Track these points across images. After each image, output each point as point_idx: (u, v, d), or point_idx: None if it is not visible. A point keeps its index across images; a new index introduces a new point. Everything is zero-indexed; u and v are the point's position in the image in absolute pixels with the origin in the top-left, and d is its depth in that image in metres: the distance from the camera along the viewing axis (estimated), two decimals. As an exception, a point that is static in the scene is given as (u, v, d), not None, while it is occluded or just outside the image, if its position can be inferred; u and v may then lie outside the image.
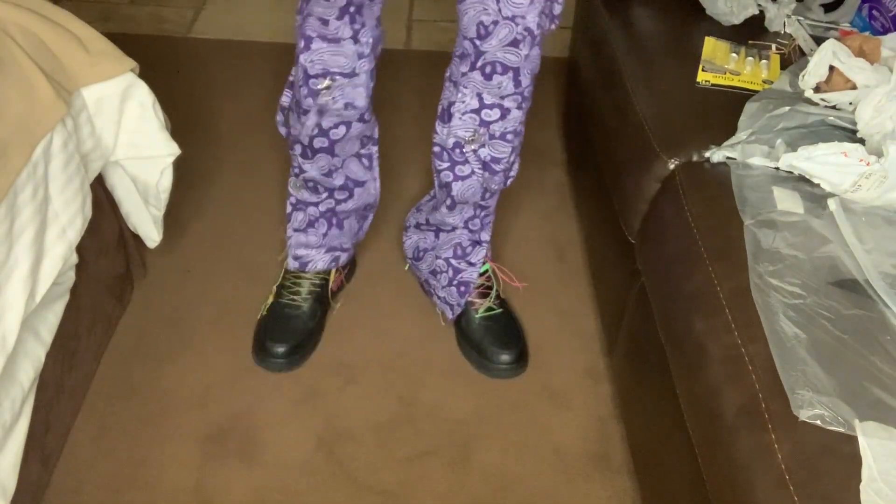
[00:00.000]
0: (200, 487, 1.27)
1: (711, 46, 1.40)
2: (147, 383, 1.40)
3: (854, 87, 1.20)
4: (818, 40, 1.40)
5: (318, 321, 1.49)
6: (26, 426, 1.11)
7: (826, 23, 1.49)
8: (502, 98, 1.24)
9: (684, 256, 1.09)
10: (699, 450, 0.96)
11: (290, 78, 1.34)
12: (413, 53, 2.29)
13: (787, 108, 1.20)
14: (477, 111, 1.25)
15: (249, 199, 1.78)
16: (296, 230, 1.47)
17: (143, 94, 1.21)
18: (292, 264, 1.48)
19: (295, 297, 1.48)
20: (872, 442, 0.80)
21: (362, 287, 1.60)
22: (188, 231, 1.68)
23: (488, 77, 1.21)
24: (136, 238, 1.43)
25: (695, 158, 1.20)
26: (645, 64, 1.39)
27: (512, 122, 1.27)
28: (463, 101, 1.25)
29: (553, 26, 1.19)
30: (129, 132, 1.24)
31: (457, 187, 1.35)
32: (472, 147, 1.29)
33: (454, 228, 1.44)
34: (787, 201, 1.08)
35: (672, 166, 1.21)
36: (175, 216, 1.59)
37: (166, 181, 1.31)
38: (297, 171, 1.41)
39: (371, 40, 1.23)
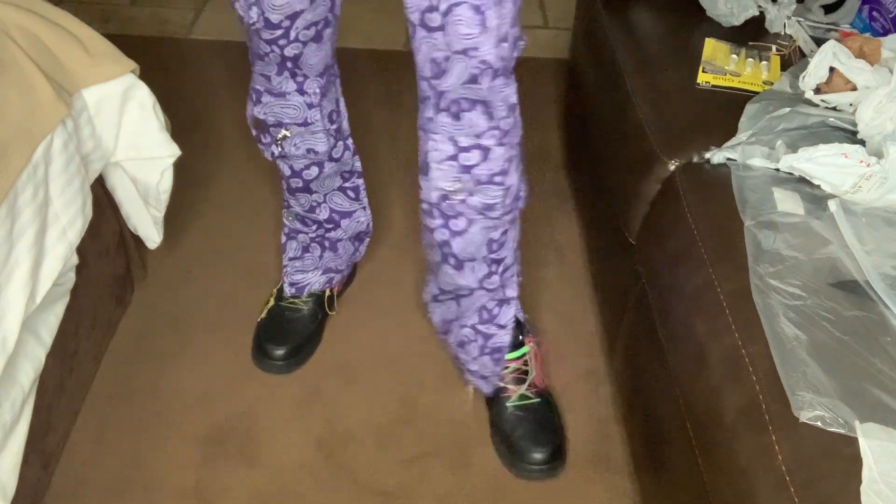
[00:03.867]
0: (200, 488, 1.27)
1: (712, 48, 1.40)
2: (147, 384, 1.41)
3: (854, 89, 1.20)
4: (818, 41, 1.40)
5: (318, 324, 1.48)
6: (26, 427, 1.11)
7: (826, 24, 1.49)
8: (478, 137, 1.08)
9: (685, 258, 1.09)
10: (699, 451, 0.96)
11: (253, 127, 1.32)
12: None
13: (788, 110, 1.20)
14: (454, 157, 1.10)
15: (250, 200, 1.78)
16: (291, 258, 1.47)
17: (143, 96, 1.21)
18: (288, 290, 1.48)
19: (295, 300, 1.48)
20: (873, 443, 0.80)
21: (362, 289, 1.60)
22: (188, 232, 1.69)
23: (456, 117, 1.07)
24: (137, 239, 1.43)
25: (695, 160, 1.20)
26: (645, 65, 1.39)
27: (497, 162, 1.10)
28: (436, 150, 1.11)
29: (517, 51, 1.05)
30: (129, 133, 1.24)
31: (457, 244, 1.19)
32: (460, 197, 1.13)
33: (472, 291, 1.26)
34: (788, 202, 1.08)
35: (672, 167, 1.21)
36: (175, 217, 1.59)
37: (167, 182, 1.31)
38: (286, 204, 1.43)
39: (318, 89, 1.21)
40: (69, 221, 1.13)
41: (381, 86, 2.12)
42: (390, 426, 1.37)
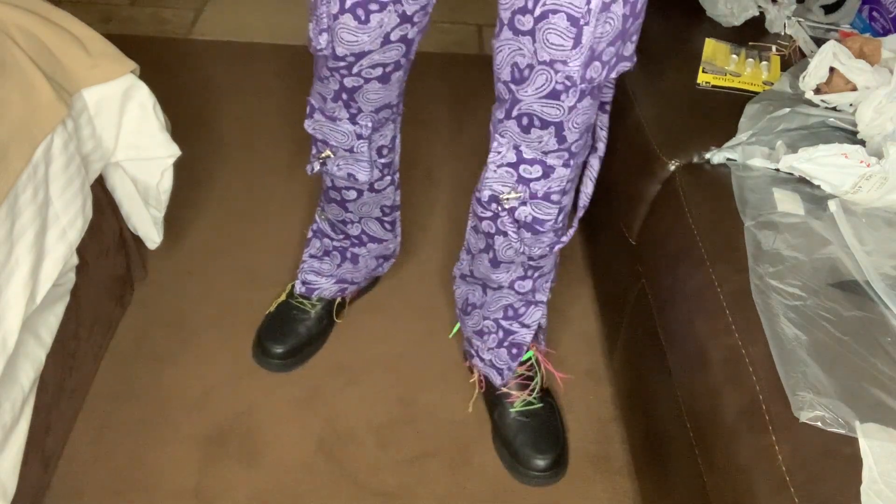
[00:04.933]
0: (201, 489, 1.27)
1: (712, 48, 1.40)
2: (147, 384, 1.40)
3: (854, 89, 1.20)
4: (818, 42, 1.40)
5: (322, 329, 1.48)
6: (26, 427, 1.11)
7: (826, 24, 1.49)
8: (545, 154, 1.03)
9: (685, 258, 1.09)
10: (699, 451, 0.96)
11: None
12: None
13: (788, 110, 1.20)
14: (514, 165, 1.06)
15: (250, 200, 1.78)
16: (311, 256, 1.46)
17: (143, 96, 1.21)
18: (299, 288, 1.47)
19: (304, 301, 1.47)
20: (873, 443, 0.80)
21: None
22: (188, 232, 1.68)
23: (525, 129, 1.01)
24: (137, 239, 1.43)
25: (695, 160, 1.20)
26: (645, 65, 1.39)
27: (558, 182, 1.06)
28: (498, 152, 1.06)
29: (615, 73, 0.97)
30: (129, 133, 1.24)
31: (499, 242, 1.16)
32: (511, 204, 1.10)
33: (501, 287, 1.25)
34: (788, 203, 1.08)
35: (672, 168, 1.21)
36: (175, 217, 1.60)
37: (167, 182, 1.31)
38: (321, 206, 1.41)
39: (371, 124, 1.17)
40: (69, 222, 1.13)
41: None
42: (390, 426, 1.37)
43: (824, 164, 1.09)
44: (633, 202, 1.27)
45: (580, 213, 1.14)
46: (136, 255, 1.52)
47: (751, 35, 1.45)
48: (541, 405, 1.34)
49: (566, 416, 1.39)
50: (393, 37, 1.04)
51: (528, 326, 1.28)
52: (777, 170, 1.14)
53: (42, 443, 1.21)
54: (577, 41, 0.90)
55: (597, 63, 0.93)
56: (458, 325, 1.44)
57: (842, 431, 0.82)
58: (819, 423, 0.83)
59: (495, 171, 1.08)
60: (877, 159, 1.07)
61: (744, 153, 1.16)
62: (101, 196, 1.33)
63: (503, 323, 1.29)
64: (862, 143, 1.13)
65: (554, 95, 0.96)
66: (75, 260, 1.22)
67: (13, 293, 1.02)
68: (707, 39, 1.42)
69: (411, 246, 1.70)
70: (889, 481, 0.78)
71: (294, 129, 1.89)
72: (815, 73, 1.23)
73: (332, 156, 1.23)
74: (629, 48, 0.96)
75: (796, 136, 1.18)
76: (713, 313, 0.99)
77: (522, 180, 1.07)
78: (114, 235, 1.42)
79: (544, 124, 1.00)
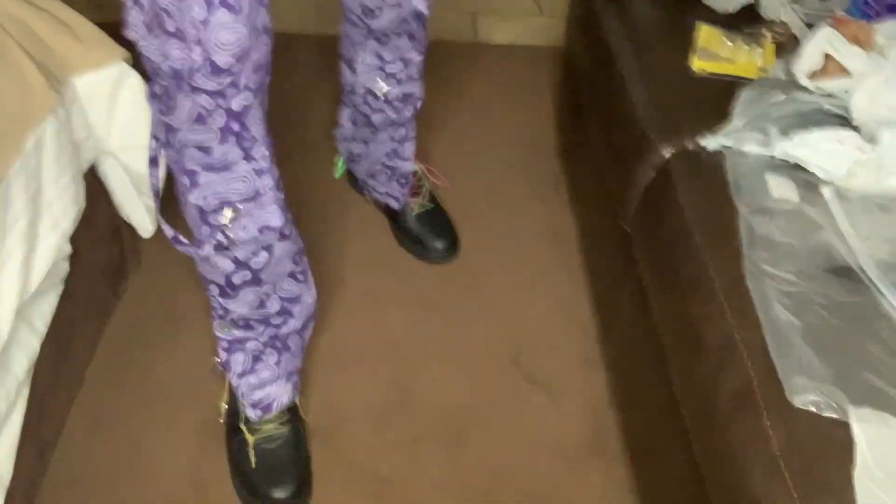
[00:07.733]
0: (197, 476, 1.27)
1: (706, 34, 1.39)
2: (142, 373, 1.40)
3: (848, 75, 1.20)
4: (813, 28, 1.40)
5: (301, 437, 1.28)
6: (21, 416, 1.11)
7: (821, 11, 1.49)
8: (402, 51, 1.32)
9: (679, 244, 1.09)
10: (694, 437, 0.96)
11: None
12: None
13: (782, 96, 1.20)
14: (381, 68, 1.34)
15: (244, 188, 1.77)
16: (241, 375, 1.22)
17: (135, 84, 1.21)
18: (254, 414, 1.23)
19: (269, 429, 1.25)
20: (866, 428, 0.81)
21: (356, 274, 1.60)
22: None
23: (383, 43, 1.29)
24: (131, 228, 1.43)
25: (689, 146, 1.20)
26: (639, 52, 1.39)
27: (416, 66, 1.36)
28: (364, 62, 1.34)
29: None
30: (122, 122, 1.23)
31: (375, 118, 1.45)
32: (382, 92, 1.38)
33: (381, 141, 1.52)
34: (782, 189, 1.09)
35: (667, 154, 1.20)
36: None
37: (160, 171, 1.31)
38: (220, 312, 1.18)
39: (267, 152, 1.02)
40: (62, 211, 1.13)
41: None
42: (385, 411, 1.37)
43: (819, 150, 1.09)
44: (627, 189, 1.27)
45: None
46: (131, 244, 1.52)
47: (745, 21, 1.45)
48: (433, 206, 1.65)
49: (561, 401, 1.40)
50: (259, 23, 0.91)
51: (407, 159, 1.56)
52: (771, 156, 1.14)
53: (37, 431, 1.21)
54: None
55: None
56: (340, 161, 1.71)
57: (836, 416, 0.82)
58: (813, 408, 0.83)
59: (366, 72, 1.36)
60: (871, 146, 1.07)
61: (738, 139, 1.16)
62: (95, 185, 1.32)
63: (388, 163, 1.56)
64: (856, 129, 1.13)
65: (403, 22, 1.24)
66: (68, 249, 1.22)
67: (6, 283, 1.01)
68: (701, 25, 1.41)
69: (406, 233, 1.69)
70: (883, 465, 0.78)
71: (286, 117, 1.89)
72: (809, 59, 1.22)
73: (234, 216, 1.03)
74: None
75: (791, 123, 1.18)
76: (707, 299, 0.99)
77: (388, 75, 1.36)
78: (107, 224, 1.41)
79: (399, 35, 1.28)
